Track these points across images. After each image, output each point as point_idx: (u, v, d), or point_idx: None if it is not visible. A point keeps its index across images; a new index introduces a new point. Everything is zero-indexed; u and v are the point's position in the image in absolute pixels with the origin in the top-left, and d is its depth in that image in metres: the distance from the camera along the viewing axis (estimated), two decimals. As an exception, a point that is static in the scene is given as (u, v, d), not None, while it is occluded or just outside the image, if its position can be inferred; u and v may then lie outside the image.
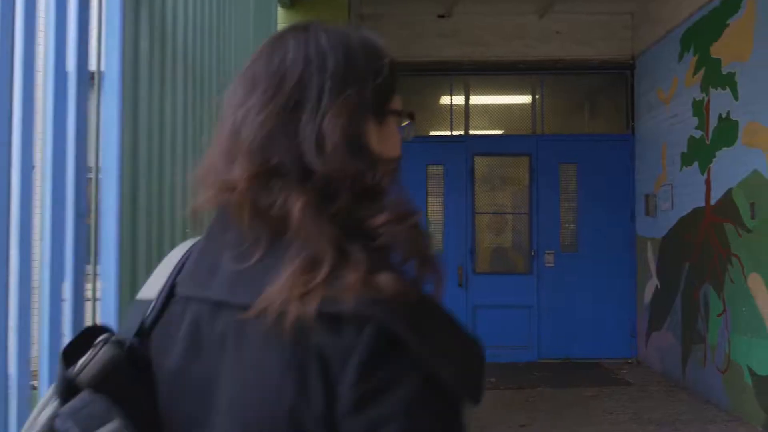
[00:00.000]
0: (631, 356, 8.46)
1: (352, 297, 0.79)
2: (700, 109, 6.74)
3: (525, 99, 8.90)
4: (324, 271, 0.81)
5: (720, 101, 6.34)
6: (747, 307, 5.80)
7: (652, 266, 7.98)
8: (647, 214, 8.04)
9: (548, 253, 8.41)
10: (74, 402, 0.85)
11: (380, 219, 0.85)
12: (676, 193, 7.29)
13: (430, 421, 0.80)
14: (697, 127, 6.81)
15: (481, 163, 8.70)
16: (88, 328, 0.94)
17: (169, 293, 0.96)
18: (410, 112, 1.01)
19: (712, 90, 6.51)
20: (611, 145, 8.65)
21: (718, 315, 6.33)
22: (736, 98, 6.04)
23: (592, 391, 6.82)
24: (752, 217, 5.73)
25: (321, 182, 0.85)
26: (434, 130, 8.79)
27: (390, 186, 0.89)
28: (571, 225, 8.65)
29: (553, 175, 8.61)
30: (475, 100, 8.88)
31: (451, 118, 8.69)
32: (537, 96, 8.77)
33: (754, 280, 5.69)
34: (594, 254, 8.47)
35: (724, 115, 6.26)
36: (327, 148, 0.86)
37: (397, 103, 0.99)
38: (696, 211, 6.83)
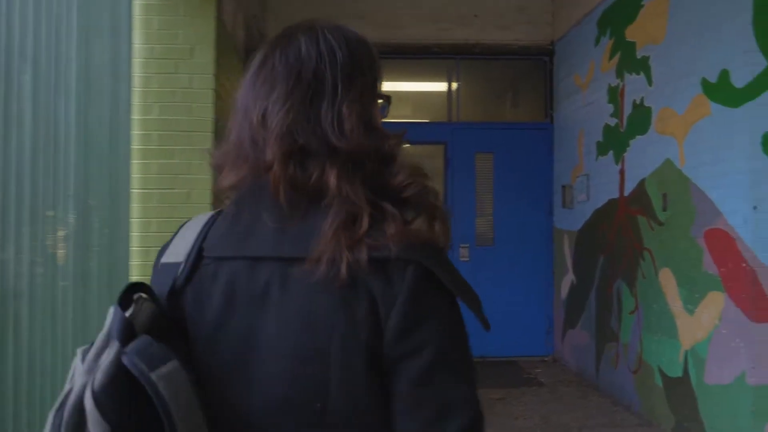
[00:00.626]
0: (548, 354, 8.13)
1: (395, 245, 0.98)
2: (615, 95, 6.40)
3: (441, 85, 8.46)
4: (364, 224, 0.99)
5: (635, 87, 6.00)
6: (658, 305, 5.48)
7: (569, 260, 7.64)
8: (564, 205, 7.71)
9: (463, 247, 8.00)
10: (137, 343, 0.92)
11: (400, 178, 1.05)
12: (592, 183, 6.95)
13: (457, 341, 1.02)
14: (612, 115, 6.46)
15: (394, 152, 8.23)
16: (131, 285, 1.01)
17: (198, 256, 1.06)
18: (388, 96, 1.18)
19: (627, 75, 6.17)
20: (530, 134, 8.29)
21: (631, 312, 6.00)
22: (650, 83, 5.70)
23: (500, 393, 6.43)
24: (664, 209, 5.40)
25: (346, 157, 1.04)
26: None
27: (399, 154, 1.09)
28: (488, 217, 8.26)
29: (469, 165, 8.21)
30: (388, 85, 8.39)
31: (363, 104, 8.20)
32: (453, 82, 8.34)
33: (666, 277, 5.36)
34: (511, 248, 8.11)
35: (638, 102, 5.92)
36: (346, 130, 1.05)
37: (381, 89, 1.17)
38: (611, 203, 6.49)
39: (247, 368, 1.01)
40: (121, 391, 0.88)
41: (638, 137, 5.91)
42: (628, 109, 6.13)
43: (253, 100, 1.09)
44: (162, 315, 1.02)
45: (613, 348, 6.37)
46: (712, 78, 4.76)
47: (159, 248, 1.16)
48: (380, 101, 1.17)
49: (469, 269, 7.96)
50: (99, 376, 0.88)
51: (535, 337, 8.15)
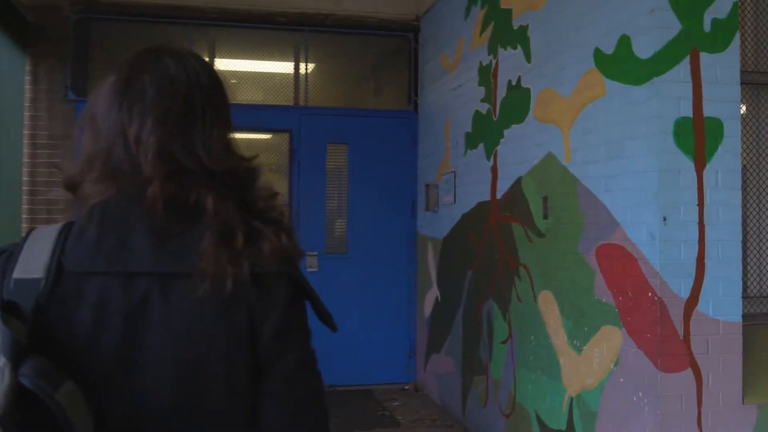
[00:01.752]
0: (408, 381, 6.96)
1: (270, 260, 1.09)
2: (487, 75, 5.26)
3: (286, 62, 7.09)
4: (240, 241, 1.07)
5: (510, 64, 4.87)
6: (536, 336, 4.37)
7: (433, 272, 6.49)
8: (428, 208, 6.55)
9: (310, 255, 6.67)
10: (33, 364, 0.93)
11: (264, 198, 1.16)
12: (460, 182, 5.81)
13: (309, 341, 1.15)
14: (483, 100, 5.33)
15: (228, 141, 6.81)
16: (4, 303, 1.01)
17: (58, 271, 1.05)
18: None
19: (501, 50, 5.03)
20: (390, 123, 7.08)
21: (503, 341, 4.88)
22: (528, 59, 4.58)
23: (345, 442, 5.17)
24: (545, 216, 4.29)
25: (219, 178, 1.12)
26: (168, 96, 6.78)
27: (258, 175, 1.18)
28: (340, 220, 6.99)
29: (320, 158, 6.91)
30: (223, 59, 6.96)
31: (190, 81, 6.72)
32: (301, 59, 7.00)
33: (546, 301, 4.25)
34: (367, 256, 6.87)
35: (514, 82, 4.79)
36: (214, 152, 1.13)
37: None
38: (481, 207, 5.36)
39: (127, 379, 1.04)
40: (22, 412, 0.91)
41: (514, 127, 4.79)
42: (501, 92, 5.00)
43: (126, 119, 1.11)
44: (27, 331, 1.01)
45: (482, 383, 5.24)
46: (608, 48, 3.67)
47: None
48: None
49: (317, 281, 6.54)
50: (1, 401, 0.89)
51: (393, 361, 6.95)
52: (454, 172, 5.91)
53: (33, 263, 1.07)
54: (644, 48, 3.38)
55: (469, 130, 5.60)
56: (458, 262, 5.80)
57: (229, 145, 1.17)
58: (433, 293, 6.46)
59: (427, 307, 6.64)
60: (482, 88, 5.35)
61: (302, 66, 6.98)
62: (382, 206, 6.97)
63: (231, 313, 1.06)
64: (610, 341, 3.59)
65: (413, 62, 7.10)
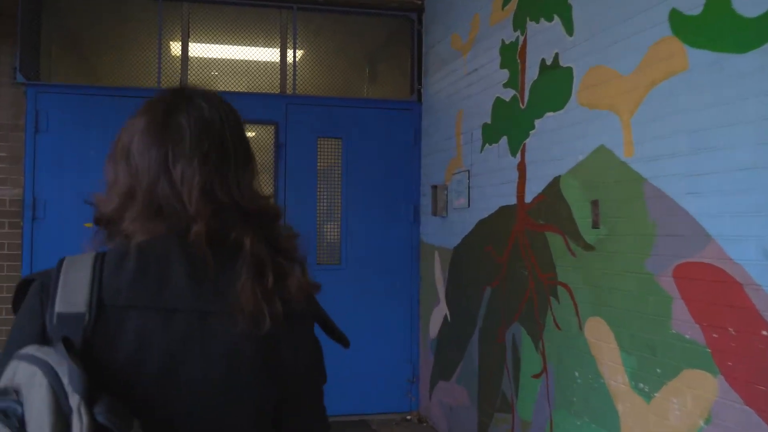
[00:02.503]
0: (411, 410, 6.08)
1: (298, 298, 1.17)
2: (512, 55, 4.41)
3: (271, 44, 6.19)
4: (271, 280, 1.14)
5: (543, 40, 4.02)
6: (583, 373, 3.52)
7: (441, 288, 5.63)
8: (435, 213, 5.68)
9: (298, 267, 5.77)
10: (106, 403, 0.96)
11: (286, 237, 1.23)
12: (475, 183, 4.96)
13: (323, 371, 1.26)
14: (506, 84, 4.47)
15: (204, 134, 5.92)
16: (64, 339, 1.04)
17: (100, 306, 1.08)
18: None
19: (530, 24, 4.18)
20: (391, 116, 6.21)
21: (535, 376, 4.02)
22: (570, 31, 3.73)
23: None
24: (594, 225, 3.44)
25: (253, 218, 1.18)
26: (129, 81, 5.86)
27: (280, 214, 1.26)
28: (333, 226, 6.11)
29: (309, 154, 6.02)
30: (198, 42, 6.06)
31: (159, 64, 5.80)
32: (288, 40, 6.11)
33: (597, 330, 3.40)
34: (363, 268, 5.99)
35: (549, 61, 3.94)
36: (246, 192, 1.19)
37: None
38: (503, 212, 4.51)
39: (167, 406, 1.08)
40: None
41: (549, 115, 3.94)
42: (532, 74, 4.15)
43: (170, 159, 1.15)
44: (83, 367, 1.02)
45: (506, 422, 4.38)
46: (692, 7, 2.82)
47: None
48: None
49: (306, 297, 5.76)
50: None
51: (393, 388, 6.08)
52: (468, 171, 5.05)
53: (73, 297, 1.09)
54: (751, 2, 2.54)
55: (488, 121, 4.74)
56: (473, 276, 4.94)
57: (252, 184, 1.23)
58: (441, 311, 5.59)
59: (434, 326, 5.78)
60: (505, 71, 4.49)
61: (289, 49, 6.09)
62: (381, 210, 6.10)
63: (266, 348, 1.14)
64: (697, 390, 2.74)
65: (416, 46, 6.23)
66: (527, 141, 4.18)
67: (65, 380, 0.96)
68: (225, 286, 1.12)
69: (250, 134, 6.07)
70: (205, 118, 1.19)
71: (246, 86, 6.00)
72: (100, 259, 1.12)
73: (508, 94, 4.45)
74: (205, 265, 1.12)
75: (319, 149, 6.06)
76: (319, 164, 6.05)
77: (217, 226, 1.14)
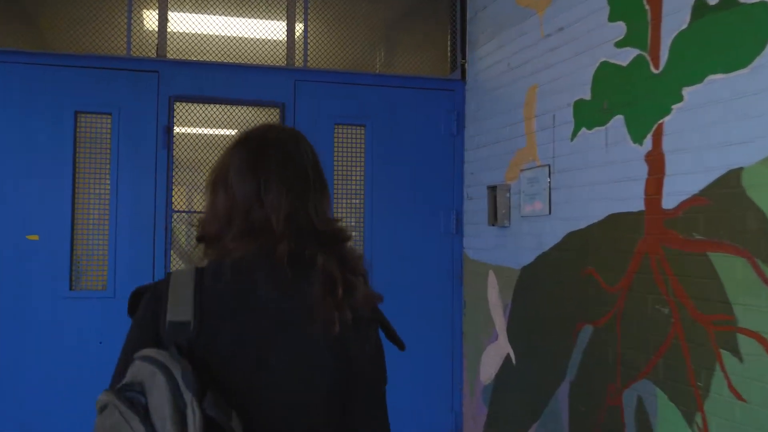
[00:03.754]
0: (453, 475, 4.77)
1: (364, 307, 1.37)
2: (633, 1, 3.13)
3: (277, 10, 4.83)
4: (341, 292, 1.33)
5: (697, -28, 2.74)
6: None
7: (499, 319, 4.32)
8: (494, 221, 4.36)
9: (311, 292, 4.44)
10: (210, 399, 1.18)
11: (356, 255, 1.43)
12: (561, 183, 3.66)
13: (385, 371, 1.43)
14: (622, 43, 3.18)
15: (186, 115, 4.55)
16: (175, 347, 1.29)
17: (203, 314, 1.30)
18: None
19: (669, -47, 2.90)
20: (427, 97, 4.90)
21: (687, 464, 2.73)
22: (759, -49, 2.46)
23: None
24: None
25: (326, 238, 1.39)
26: (97, 48, 4.47)
27: (349, 236, 1.46)
28: (353, 238, 4.77)
29: (324, 145, 4.68)
30: (191, 19, 4.70)
31: (129, 28, 4.43)
32: (298, 5, 4.77)
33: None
34: (391, 290, 4.52)
35: (714, 0, 2.67)
36: (322, 217, 1.41)
37: None
38: (617, 222, 3.22)
39: (255, 396, 1.30)
40: None
41: (713, 79, 2.66)
42: (675, 24, 2.87)
43: (262, 188, 1.38)
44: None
45: None
46: None
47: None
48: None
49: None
50: (198, 428, 1.14)
51: (431, 446, 4.75)
52: (549, 166, 3.76)
53: (181, 307, 1.30)
54: None
55: (585, 96, 3.45)
56: (560, 308, 3.65)
57: (328, 212, 1.45)
58: (501, 349, 4.29)
59: (488, 368, 4.47)
60: (619, 25, 3.20)
61: (299, 15, 4.75)
62: (414, 218, 4.78)
63: (337, 348, 1.33)
64: None
65: (459, 10, 4.93)
66: (666, 120, 2.89)
67: (179, 379, 1.18)
68: (303, 296, 1.34)
69: (244, 116, 4.74)
70: (290, 153, 1.43)
71: (244, 57, 4.64)
72: (200, 273, 1.36)
73: (625, 56, 3.16)
74: (288, 278, 1.34)
75: (336, 139, 4.73)
76: (336, 159, 4.71)
77: (296, 245, 1.36)
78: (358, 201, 4.75)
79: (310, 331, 1.32)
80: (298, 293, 1.34)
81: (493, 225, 4.33)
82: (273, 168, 1.39)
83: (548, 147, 3.79)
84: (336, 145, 4.71)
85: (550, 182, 3.76)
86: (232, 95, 4.55)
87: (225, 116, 4.61)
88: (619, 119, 3.20)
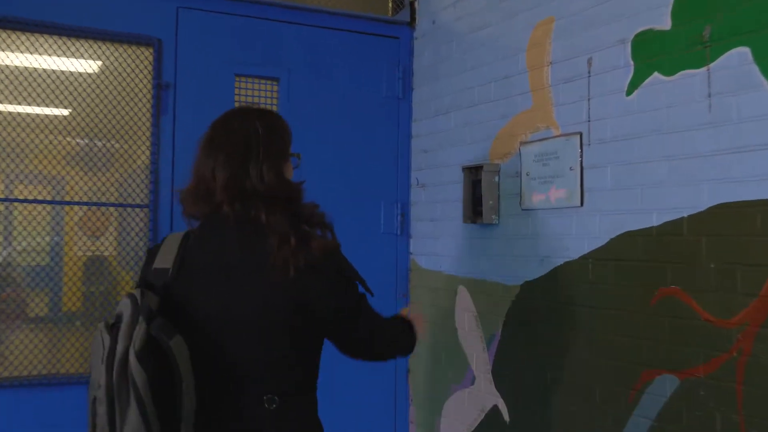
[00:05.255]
0: None
1: (319, 254, 1.59)
2: None
3: None
4: (293, 242, 1.57)
5: None
6: None
7: (477, 355, 3.06)
8: (473, 217, 3.07)
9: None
10: (157, 322, 1.48)
11: (308, 210, 1.67)
12: (608, 158, 2.45)
13: (355, 299, 1.70)
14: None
15: None
16: (141, 283, 1.68)
17: (181, 264, 1.64)
18: (298, 154, 1.77)
19: None
20: (360, 45, 3.53)
21: None
22: None
23: None
24: None
25: (268, 199, 1.62)
26: None
27: (302, 195, 1.70)
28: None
29: (220, 103, 3.17)
30: None
31: None
32: None
33: None
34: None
35: None
36: (266, 180, 1.62)
37: (290, 148, 1.76)
38: (737, 216, 2.04)
39: (220, 333, 1.60)
40: (150, 351, 1.44)
41: None
42: None
43: (206, 161, 1.66)
44: (160, 301, 1.57)
45: None
46: None
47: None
48: (293, 157, 1.75)
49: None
50: (137, 342, 1.44)
51: None
52: (579, 135, 2.54)
53: (166, 258, 1.65)
54: None
55: (660, 25, 2.26)
56: (603, 342, 2.43)
57: (279, 175, 1.66)
58: (479, 399, 3.01)
59: (456, 423, 3.18)
60: None
61: None
62: (342, 210, 3.36)
63: (295, 291, 1.59)
64: None
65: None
66: None
67: (138, 305, 1.50)
68: (259, 247, 1.59)
69: (96, 67, 3.16)
70: (232, 128, 1.69)
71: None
72: (187, 235, 1.70)
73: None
74: (245, 235, 1.61)
75: (238, 97, 3.27)
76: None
77: (240, 207, 1.62)
78: (268, 187, 3.33)
79: (267, 276, 1.57)
80: (254, 245, 1.60)
81: (472, 222, 3.05)
82: (215, 144, 1.66)
83: (577, 107, 2.57)
84: (238, 104, 3.26)
85: (582, 158, 2.54)
86: (85, 23, 2.98)
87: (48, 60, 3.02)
88: (734, 56, 2.03)
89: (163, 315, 1.51)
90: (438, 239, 3.34)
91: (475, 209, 3.03)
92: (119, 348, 1.44)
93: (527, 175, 2.79)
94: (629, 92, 2.37)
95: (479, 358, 3.06)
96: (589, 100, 2.53)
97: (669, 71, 2.23)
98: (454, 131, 3.26)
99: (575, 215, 2.57)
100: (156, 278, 1.61)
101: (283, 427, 1.61)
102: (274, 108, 3.33)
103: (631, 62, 2.37)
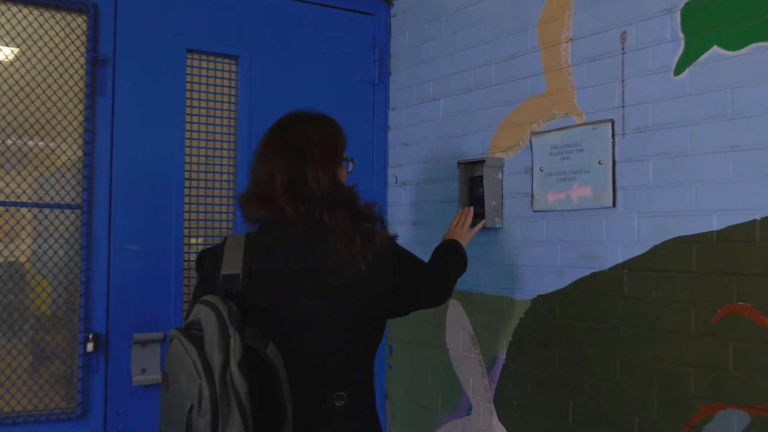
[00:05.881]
0: None
1: (382, 246, 1.69)
2: None
3: None
4: (358, 240, 1.64)
5: None
6: None
7: (474, 381, 2.63)
8: (472, 222, 2.63)
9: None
10: (251, 332, 1.50)
11: (368, 210, 1.73)
12: (649, 149, 2.06)
13: (410, 270, 1.90)
14: None
15: None
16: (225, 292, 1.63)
17: (249, 269, 1.63)
18: (352, 159, 1.84)
19: None
20: (330, 22, 3.07)
21: None
22: None
23: None
24: None
25: (329, 201, 1.66)
26: None
27: (359, 197, 1.76)
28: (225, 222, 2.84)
29: (170, 89, 2.70)
30: None
31: None
32: None
33: None
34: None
35: None
36: (322, 184, 1.67)
37: (345, 153, 1.81)
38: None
39: (297, 334, 1.62)
40: (249, 361, 1.47)
41: None
42: None
43: (263, 164, 1.71)
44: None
45: None
46: None
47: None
48: (347, 161, 1.82)
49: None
50: (237, 354, 1.45)
51: None
52: (611, 122, 2.14)
53: (233, 263, 1.63)
54: None
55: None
56: (644, 370, 2.04)
57: (334, 177, 1.72)
58: (478, 431, 2.60)
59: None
60: None
61: None
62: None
63: (367, 279, 1.65)
64: None
65: None
66: None
67: (225, 317, 1.49)
68: (329, 249, 1.64)
69: (15, 37, 2.58)
70: (292, 136, 1.73)
71: None
72: (249, 237, 1.70)
73: None
74: (312, 236, 1.65)
75: (190, 78, 2.76)
76: (190, 113, 2.74)
77: (304, 209, 1.65)
78: (227, 183, 2.81)
79: (339, 274, 1.63)
80: (322, 246, 1.65)
81: (470, 226, 2.62)
82: (272, 147, 1.72)
83: (607, 90, 2.18)
84: (190, 87, 2.75)
85: (614, 150, 2.15)
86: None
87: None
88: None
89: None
90: (423, 245, 2.90)
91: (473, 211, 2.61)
92: (217, 361, 1.46)
93: (541, 170, 2.39)
94: (678, 71, 1.99)
95: (477, 384, 2.64)
96: (623, 81, 2.14)
97: (734, 45, 1.86)
98: (444, 121, 2.84)
99: (606, 218, 2.18)
100: (228, 285, 1.61)
101: (352, 424, 1.68)
102: (233, 90, 2.83)
103: (681, 35, 1.98)
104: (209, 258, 1.71)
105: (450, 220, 2.69)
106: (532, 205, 2.42)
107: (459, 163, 2.63)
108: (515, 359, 2.49)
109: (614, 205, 2.15)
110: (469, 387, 2.68)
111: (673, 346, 1.97)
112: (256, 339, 1.49)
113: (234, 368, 1.44)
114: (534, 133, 2.42)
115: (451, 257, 2.16)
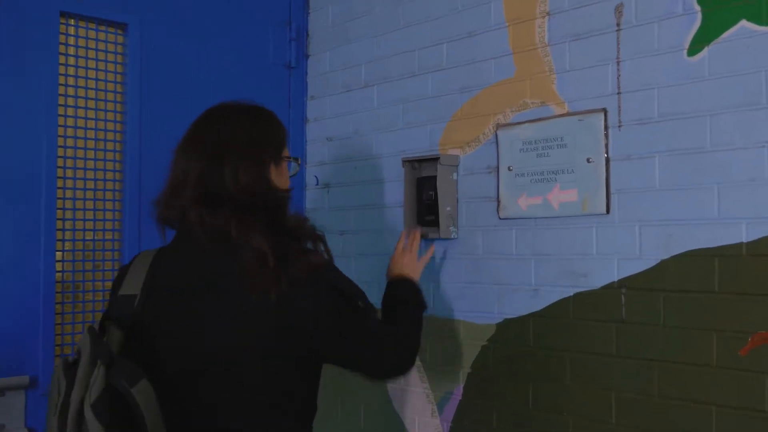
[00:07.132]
0: None
1: (305, 272, 1.34)
2: None
3: None
4: (271, 262, 1.31)
5: None
6: None
7: (418, 419, 2.20)
8: (423, 233, 2.22)
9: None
10: (119, 365, 1.23)
11: (293, 221, 1.45)
12: (655, 145, 1.73)
13: (347, 317, 1.42)
14: None
15: None
16: (104, 314, 1.38)
17: (150, 288, 1.38)
18: (296, 158, 1.57)
19: None
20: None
21: None
22: None
23: None
24: None
25: (242, 205, 1.37)
26: None
27: (289, 204, 1.47)
28: (104, 252, 2.25)
29: (37, 58, 2.10)
30: None
31: None
32: None
33: None
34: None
35: None
36: (240, 183, 1.37)
37: (286, 152, 1.51)
38: None
39: (195, 359, 1.34)
40: (109, 401, 1.21)
41: None
42: None
43: (178, 159, 1.43)
44: (125, 335, 1.32)
45: None
46: None
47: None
48: (288, 162, 1.52)
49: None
50: (93, 392, 1.20)
51: None
52: (604, 111, 1.79)
53: (134, 282, 1.40)
54: None
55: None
56: (654, 414, 1.70)
57: (259, 180, 1.41)
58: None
59: None
60: None
61: None
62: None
63: (277, 313, 1.32)
64: None
65: None
66: None
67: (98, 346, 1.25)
68: (235, 268, 1.33)
69: None
70: (211, 131, 1.45)
71: None
72: (158, 252, 1.45)
73: None
74: (216, 251, 1.36)
75: (65, 49, 2.17)
76: (65, 93, 2.16)
77: (208, 212, 1.35)
78: (111, 182, 2.24)
79: (244, 300, 1.32)
80: (227, 264, 1.34)
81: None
82: (190, 141, 1.44)
83: (598, 74, 1.82)
84: (65, 60, 2.16)
85: (607, 146, 1.80)
86: None
87: None
88: None
89: (130, 352, 1.30)
90: (353, 259, 2.44)
91: (420, 218, 2.19)
92: (74, 397, 1.23)
93: (509, 170, 2.00)
94: (694, 51, 1.66)
95: (424, 424, 2.21)
96: (618, 63, 1.79)
97: (767, 19, 1.55)
98: (380, 112, 2.40)
99: (597, 227, 1.82)
100: (121, 308, 1.38)
101: None
102: (119, 65, 2.26)
103: (697, 7, 1.66)
104: (118, 276, 1.49)
105: (384, 232, 2.26)
106: (497, 212, 2.03)
107: (404, 161, 2.20)
108: (476, 395, 2.08)
109: (608, 211, 1.79)
110: (414, 428, 2.25)
111: (687, 381, 1.63)
112: (122, 375, 1.23)
113: (87, 409, 1.21)
114: (500, 126, 2.03)
115: (410, 310, 1.66)
